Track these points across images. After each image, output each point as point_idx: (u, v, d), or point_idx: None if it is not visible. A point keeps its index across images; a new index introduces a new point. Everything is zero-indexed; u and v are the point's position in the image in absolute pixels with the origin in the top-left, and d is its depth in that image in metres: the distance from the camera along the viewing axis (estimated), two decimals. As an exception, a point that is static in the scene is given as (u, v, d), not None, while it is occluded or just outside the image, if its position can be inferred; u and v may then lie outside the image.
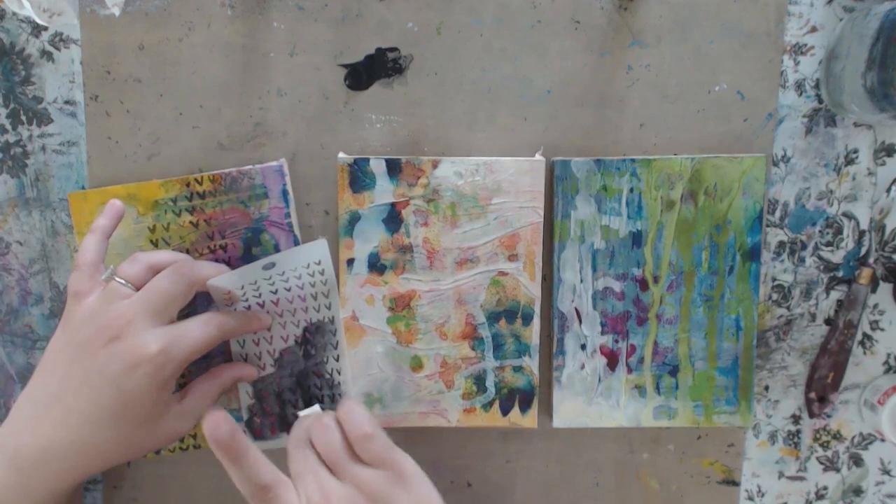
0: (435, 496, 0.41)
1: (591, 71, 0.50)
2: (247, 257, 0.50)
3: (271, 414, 0.50)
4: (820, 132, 0.51)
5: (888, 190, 0.51)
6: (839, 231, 0.51)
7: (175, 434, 0.45)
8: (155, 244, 0.50)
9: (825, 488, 0.54)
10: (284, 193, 0.50)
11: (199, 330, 0.43)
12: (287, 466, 0.42)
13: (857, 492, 0.54)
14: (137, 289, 0.43)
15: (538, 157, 0.49)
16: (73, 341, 0.42)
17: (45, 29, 0.49)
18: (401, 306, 0.50)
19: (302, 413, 0.45)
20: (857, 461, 0.53)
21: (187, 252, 0.50)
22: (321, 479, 0.40)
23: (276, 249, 0.50)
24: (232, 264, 0.50)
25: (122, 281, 0.43)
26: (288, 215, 0.50)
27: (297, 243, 0.50)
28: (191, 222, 0.50)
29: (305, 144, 0.50)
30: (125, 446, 0.43)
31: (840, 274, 0.52)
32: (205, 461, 0.53)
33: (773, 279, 0.52)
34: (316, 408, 0.46)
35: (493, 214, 0.49)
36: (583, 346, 0.51)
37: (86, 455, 0.42)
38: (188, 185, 0.49)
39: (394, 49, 0.50)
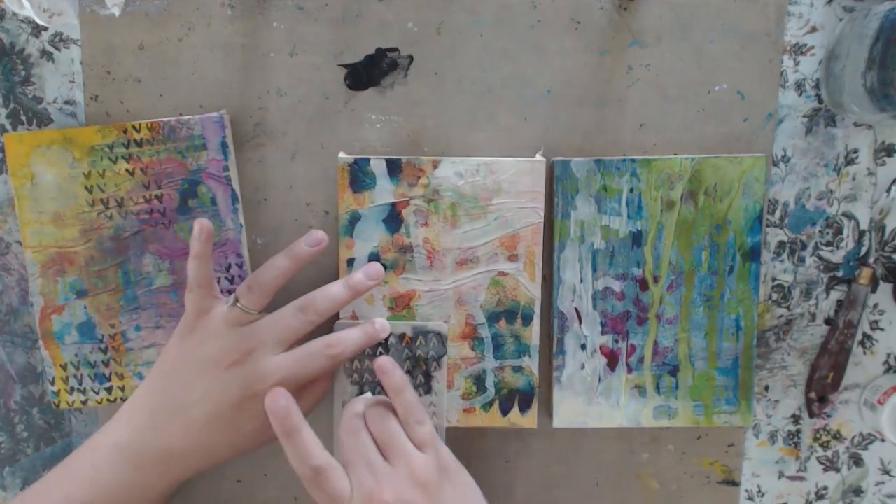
0: (475, 487, 0.45)
1: (591, 71, 0.50)
2: (183, 209, 0.49)
3: None
4: (820, 132, 0.51)
5: (888, 190, 0.51)
6: (839, 231, 0.51)
7: None
8: (90, 191, 0.49)
9: (825, 488, 0.54)
10: (223, 146, 0.49)
11: (319, 364, 0.46)
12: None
13: (857, 492, 0.54)
14: (258, 312, 0.46)
15: (538, 157, 0.49)
16: (196, 356, 0.45)
17: (45, 29, 0.49)
18: (401, 306, 0.50)
19: (352, 399, 0.47)
20: (857, 461, 0.53)
21: (121, 201, 0.49)
22: (374, 464, 0.43)
23: (213, 203, 0.49)
24: (167, 215, 0.50)
25: (247, 308, 0.45)
26: (227, 168, 0.49)
27: (235, 197, 0.50)
28: (127, 170, 0.49)
29: (305, 144, 0.50)
30: (238, 449, 0.47)
31: (840, 274, 0.52)
32: (205, 461, 0.53)
33: (773, 279, 0.52)
34: (368, 395, 0.48)
35: (494, 215, 0.49)
36: (583, 346, 0.51)
37: (202, 456, 0.46)
38: (125, 131, 0.49)
39: (394, 49, 0.50)
